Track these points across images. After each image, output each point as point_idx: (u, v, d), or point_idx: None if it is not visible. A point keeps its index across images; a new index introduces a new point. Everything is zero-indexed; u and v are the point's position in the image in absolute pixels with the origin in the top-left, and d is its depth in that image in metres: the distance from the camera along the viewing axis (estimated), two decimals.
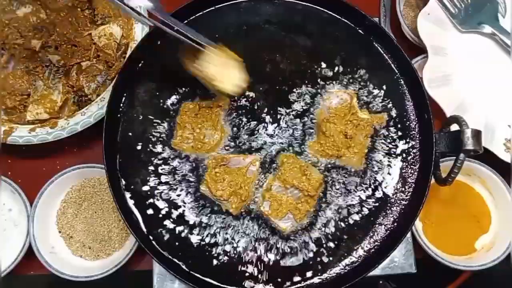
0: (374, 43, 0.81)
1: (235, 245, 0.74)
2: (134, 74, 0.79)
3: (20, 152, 0.90)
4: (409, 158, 0.77)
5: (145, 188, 0.75)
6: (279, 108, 0.78)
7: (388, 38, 0.79)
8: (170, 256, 0.73)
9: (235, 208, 0.74)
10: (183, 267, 0.73)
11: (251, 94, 0.78)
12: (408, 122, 0.78)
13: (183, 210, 0.75)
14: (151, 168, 0.76)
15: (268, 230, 0.74)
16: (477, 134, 0.69)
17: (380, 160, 0.77)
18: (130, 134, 0.77)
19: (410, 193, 0.76)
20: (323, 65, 0.80)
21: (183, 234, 0.74)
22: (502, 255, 0.84)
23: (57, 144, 0.87)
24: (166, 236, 0.74)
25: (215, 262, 0.73)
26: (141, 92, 0.78)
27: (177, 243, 0.73)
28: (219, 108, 0.77)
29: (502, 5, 0.96)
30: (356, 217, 0.75)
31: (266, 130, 0.77)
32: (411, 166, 0.77)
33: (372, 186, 0.76)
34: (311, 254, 0.74)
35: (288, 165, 0.75)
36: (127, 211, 0.74)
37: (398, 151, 0.77)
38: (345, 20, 0.82)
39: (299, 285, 0.73)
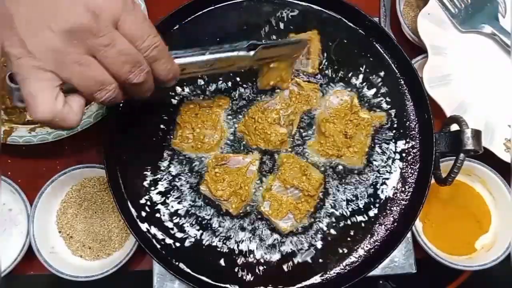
0: (374, 43, 0.81)
1: (234, 245, 0.74)
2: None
3: (20, 152, 0.90)
4: (409, 158, 0.77)
5: (145, 188, 0.75)
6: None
7: (388, 38, 0.79)
8: (169, 256, 0.73)
9: (235, 208, 0.74)
10: (183, 267, 0.73)
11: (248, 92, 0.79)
12: (408, 122, 0.78)
13: (183, 210, 0.75)
14: (151, 167, 0.76)
15: (268, 230, 0.74)
16: (477, 134, 0.69)
17: (380, 160, 0.77)
18: (130, 133, 0.77)
19: (410, 193, 0.76)
20: (323, 65, 0.80)
21: (182, 234, 0.74)
22: (502, 255, 0.84)
23: (57, 144, 0.87)
24: (166, 236, 0.74)
25: (215, 262, 0.73)
26: None
27: (177, 243, 0.73)
28: (219, 108, 0.77)
29: (502, 5, 0.96)
30: (356, 217, 0.75)
31: None
32: (411, 166, 0.77)
33: (372, 186, 0.76)
34: (311, 254, 0.74)
35: (288, 165, 0.75)
36: (127, 211, 0.74)
37: (398, 151, 0.77)
38: (345, 20, 0.82)
39: (299, 285, 0.73)
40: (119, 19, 0.49)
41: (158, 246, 0.73)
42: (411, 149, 0.78)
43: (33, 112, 0.48)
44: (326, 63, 0.80)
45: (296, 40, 0.71)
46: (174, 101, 0.78)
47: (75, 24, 0.47)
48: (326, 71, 0.80)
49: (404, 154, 0.77)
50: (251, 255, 0.73)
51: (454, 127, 0.74)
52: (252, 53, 0.66)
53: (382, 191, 0.76)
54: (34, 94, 0.47)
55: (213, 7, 0.82)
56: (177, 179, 0.75)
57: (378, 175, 0.76)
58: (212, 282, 0.73)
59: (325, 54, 0.80)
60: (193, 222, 0.74)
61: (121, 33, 0.50)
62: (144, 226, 0.74)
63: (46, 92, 0.48)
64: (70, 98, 0.50)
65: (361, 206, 0.75)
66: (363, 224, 0.75)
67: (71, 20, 0.47)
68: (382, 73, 0.80)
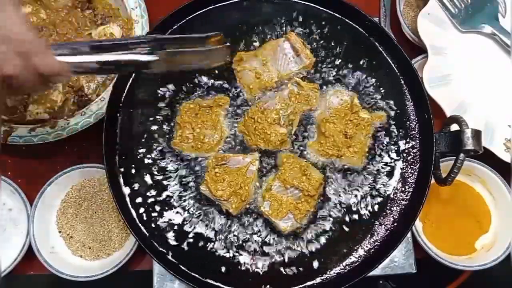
0: (374, 43, 0.81)
1: (235, 245, 0.74)
2: (134, 74, 0.79)
3: (20, 152, 0.90)
4: (409, 158, 0.77)
5: (145, 187, 0.75)
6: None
7: (388, 38, 0.79)
8: (169, 256, 0.73)
9: (235, 208, 0.74)
10: (183, 267, 0.73)
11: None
12: (408, 122, 0.78)
13: (183, 210, 0.75)
14: (151, 168, 0.76)
15: (268, 230, 0.74)
16: (477, 134, 0.70)
17: (380, 160, 0.77)
18: (130, 133, 0.77)
19: (410, 193, 0.76)
20: (323, 65, 0.80)
21: (182, 234, 0.74)
22: (502, 255, 0.84)
23: (57, 144, 0.87)
24: (166, 236, 0.74)
25: (215, 262, 0.73)
26: (140, 92, 0.78)
27: (176, 243, 0.73)
28: (219, 108, 0.77)
29: (502, 5, 0.96)
30: (356, 217, 0.75)
31: None
32: (411, 166, 0.77)
33: (372, 186, 0.76)
34: (311, 254, 0.74)
35: (288, 165, 0.75)
36: (127, 211, 0.74)
37: (398, 151, 0.77)
38: (345, 20, 0.82)
39: (300, 285, 0.73)
40: None
41: (158, 246, 0.73)
42: (411, 149, 0.78)
43: None
44: (326, 63, 0.80)
45: (208, 48, 0.67)
46: (174, 101, 0.78)
47: None
48: (326, 71, 0.80)
49: (404, 154, 0.77)
50: (251, 255, 0.73)
51: (454, 127, 0.74)
52: (151, 57, 0.61)
53: (382, 191, 0.76)
54: None
55: (213, 7, 0.82)
56: (176, 179, 0.75)
57: (378, 175, 0.76)
58: (212, 282, 0.73)
59: (326, 55, 0.80)
60: (193, 222, 0.74)
61: None
62: (143, 226, 0.74)
63: None
64: None
65: (361, 206, 0.75)
66: (363, 224, 0.75)
67: None
68: (382, 73, 0.80)
